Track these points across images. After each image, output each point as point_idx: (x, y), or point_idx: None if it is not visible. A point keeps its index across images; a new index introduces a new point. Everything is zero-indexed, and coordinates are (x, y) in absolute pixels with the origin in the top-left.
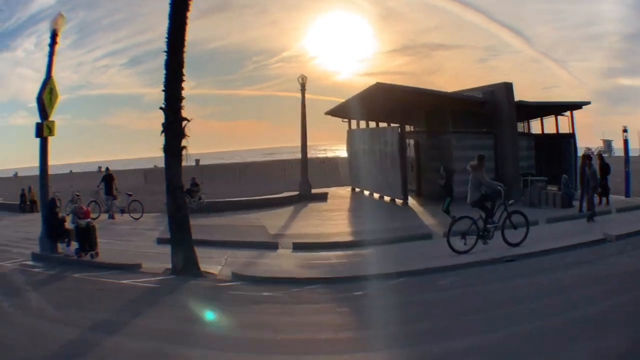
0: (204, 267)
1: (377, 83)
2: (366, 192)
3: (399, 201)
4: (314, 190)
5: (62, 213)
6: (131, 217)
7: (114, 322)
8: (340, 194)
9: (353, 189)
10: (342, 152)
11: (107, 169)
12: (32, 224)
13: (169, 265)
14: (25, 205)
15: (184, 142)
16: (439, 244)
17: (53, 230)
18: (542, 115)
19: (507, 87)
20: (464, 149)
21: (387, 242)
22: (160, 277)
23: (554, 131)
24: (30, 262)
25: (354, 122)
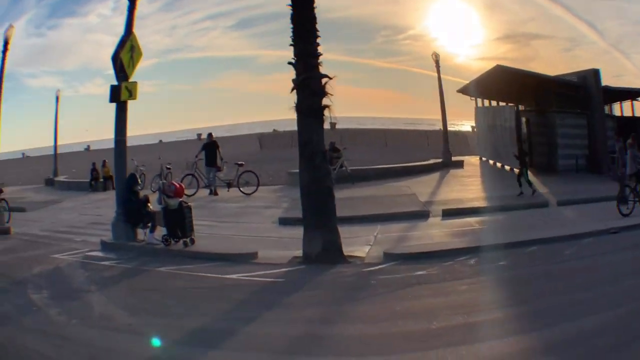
0: (348, 250)
1: (498, 65)
2: (490, 162)
3: (516, 170)
4: (453, 158)
5: (148, 190)
6: (242, 191)
7: (215, 332)
8: (472, 162)
9: (480, 158)
10: (465, 126)
11: (209, 135)
12: (104, 205)
13: (298, 252)
14: (97, 182)
15: (325, 101)
16: (554, 211)
17: (131, 212)
18: (622, 99)
19: (596, 73)
20: (564, 127)
21: (513, 208)
22: (285, 269)
23: (630, 114)
24: (98, 253)
25: (479, 101)
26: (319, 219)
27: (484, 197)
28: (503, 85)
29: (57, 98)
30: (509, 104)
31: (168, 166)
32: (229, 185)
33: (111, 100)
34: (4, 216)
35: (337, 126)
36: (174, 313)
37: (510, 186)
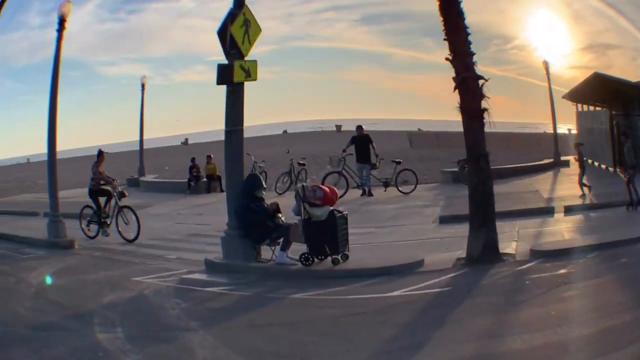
0: (499, 247)
1: (595, 73)
2: (589, 161)
3: (611, 169)
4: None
5: (271, 193)
6: (400, 190)
7: None
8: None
9: None
10: (561, 129)
11: (359, 127)
12: (208, 211)
13: (460, 253)
14: (197, 183)
15: (484, 104)
16: None
17: (253, 225)
18: None
19: None
20: None
21: (616, 205)
22: (450, 275)
23: None
24: (200, 276)
25: (579, 105)
26: (483, 219)
27: (595, 194)
28: (599, 91)
29: (143, 86)
30: (604, 109)
31: (302, 162)
32: (386, 184)
33: (219, 82)
34: (63, 228)
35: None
36: (317, 353)
37: (613, 183)
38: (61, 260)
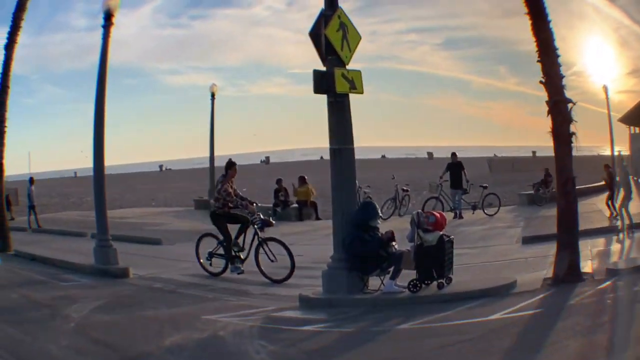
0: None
1: None
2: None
3: None
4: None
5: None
6: (485, 213)
7: None
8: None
9: (633, 178)
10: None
11: (453, 154)
12: (300, 240)
13: (545, 272)
14: (285, 208)
15: (572, 128)
16: None
17: (366, 257)
18: None
19: None
20: None
21: None
22: (540, 295)
23: None
24: (292, 313)
25: (633, 128)
26: (568, 240)
27: None
28: None
29: (213, 95)
30: None
31: (405, 187)
32: (474, 207)
33: (317, 90)
34: (114, 253)
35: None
36: None
37: None
38: (110, 291)
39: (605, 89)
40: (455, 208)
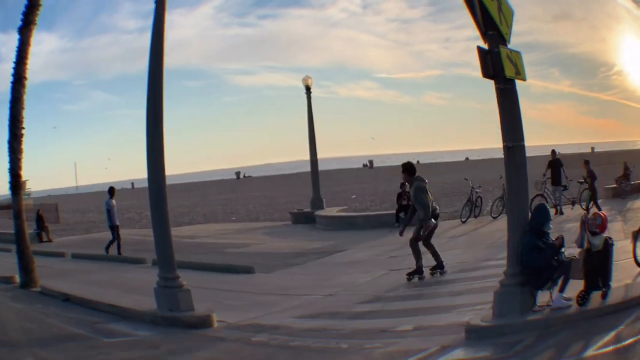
0: None
1: None
2: None
3: None
4: None
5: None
6: (582, 208)
7: None
8: None
9: None
10: None
11: (553, 152)
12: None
13: None
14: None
15: None
16: None
17: (540, 268)
18: None
19: None
20: None
21: None
22: None
23: None
24: (462, 354)
25: None
26: None
27: None
28: None
29: (308, 89)
30: None
31: (478, 190)
32: (574, 203)
33: (486, 74)
34: (186, 295)
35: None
36: None
37: None
38: (185, 355)
39: None
40: (557, 205)
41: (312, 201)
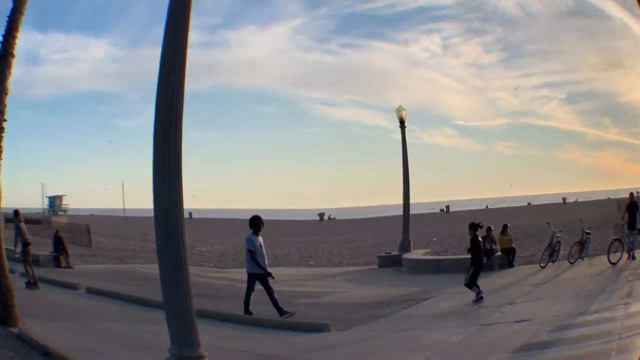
0: None
1: None
2: None
3: None
4: None
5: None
6: None
7: None
8: None
9: None
10: None
11: (631, 194)
12: (514, 294)
13: None
14: (492, 257)
15: None
16: None
17: None
18: None
19: None
20: None
21: None
22: None
23: None
24: None
25: None
26: None
27: None
28: None
29: (402, 122)
30: None
31: (588, 230)
32: None
33: None
34: None
35: None
36: None
37: None
38: None
39: None
40: (631, 249)
41: (401, 244)
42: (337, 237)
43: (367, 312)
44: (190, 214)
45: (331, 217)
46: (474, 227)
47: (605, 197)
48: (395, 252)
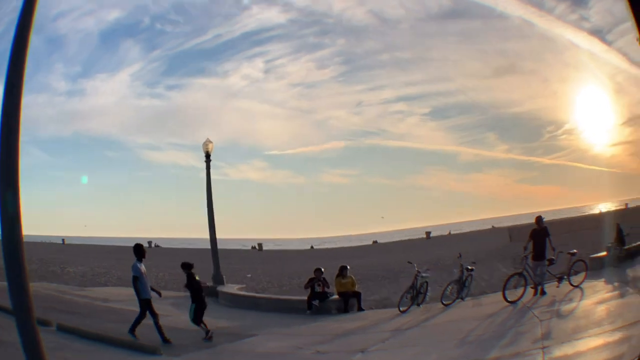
0: None
1: None
2: None
3: None
4: None
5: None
6: (572, 284)
7: None
8: None
9: None
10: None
11: (539, 218)
12: (366, 341)
13: None
14: (324, 300)
15: None
16: None
17: None
18: None
19: None
20: None
21: None
22: None
23: None
24: None
25: None
26: None
27: None
28: None
29: (208, 155)
30: None
31: (470, 267)
32: (560, 278)
33: None
34: None
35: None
36: None
37: None
38: None
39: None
40: (539, 284)
41: (213, 277)
42: (169, 263)
43: (195, 339)
44: (63, 240)
45: (156, 245)
46: (186, 266)
47: (489, 227)
48: (210, 284)
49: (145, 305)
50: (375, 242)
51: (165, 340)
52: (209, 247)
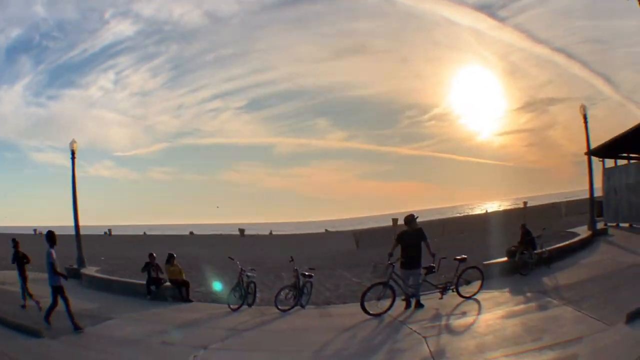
0: None
1: None
2: (624, 225)
3: None
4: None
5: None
6: (460, 295)
7: None
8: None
9: (607, 224)
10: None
11: (410, 219)
12: (206, 332)
13: None
14: (158, 287)
15: None
16: None
17: None
18: None
19: None
20: None
21: None
22: None
23: None
24: None
25: (607, 161)
26: None
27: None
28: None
29: (73, 153)
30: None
31: (308, 273)
32: (444, 289)
33: None
34: None
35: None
36: None
37: None
38: None
39: (584, 109)
40: (413, 295)
41: (77, 259)
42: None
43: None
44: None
45: (40, 232)
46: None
47: (322, 230)
48: (75, 266)
49: (57, 292)
50: (191, 233)
51: (77, 328)
52: (74, 232)
